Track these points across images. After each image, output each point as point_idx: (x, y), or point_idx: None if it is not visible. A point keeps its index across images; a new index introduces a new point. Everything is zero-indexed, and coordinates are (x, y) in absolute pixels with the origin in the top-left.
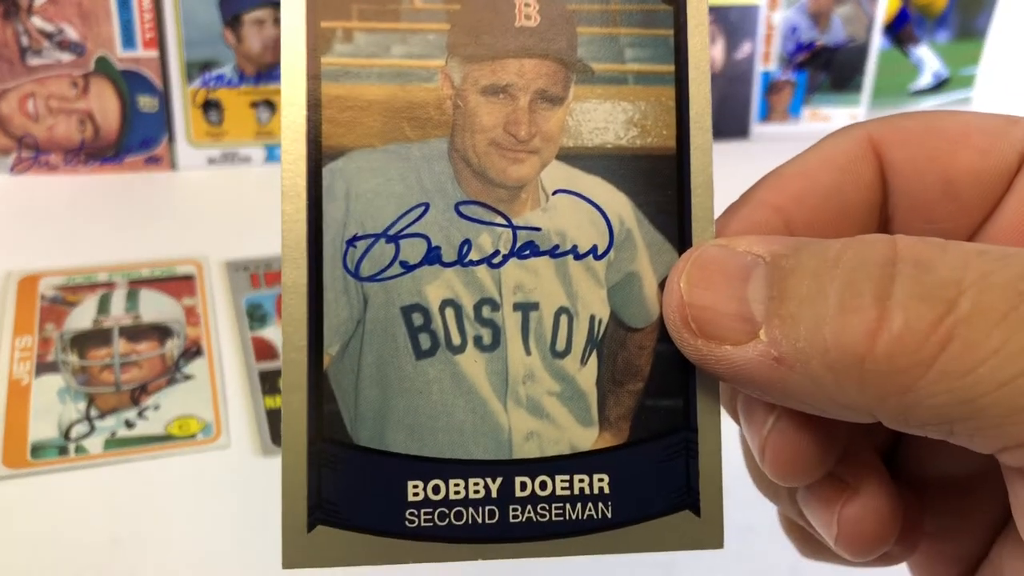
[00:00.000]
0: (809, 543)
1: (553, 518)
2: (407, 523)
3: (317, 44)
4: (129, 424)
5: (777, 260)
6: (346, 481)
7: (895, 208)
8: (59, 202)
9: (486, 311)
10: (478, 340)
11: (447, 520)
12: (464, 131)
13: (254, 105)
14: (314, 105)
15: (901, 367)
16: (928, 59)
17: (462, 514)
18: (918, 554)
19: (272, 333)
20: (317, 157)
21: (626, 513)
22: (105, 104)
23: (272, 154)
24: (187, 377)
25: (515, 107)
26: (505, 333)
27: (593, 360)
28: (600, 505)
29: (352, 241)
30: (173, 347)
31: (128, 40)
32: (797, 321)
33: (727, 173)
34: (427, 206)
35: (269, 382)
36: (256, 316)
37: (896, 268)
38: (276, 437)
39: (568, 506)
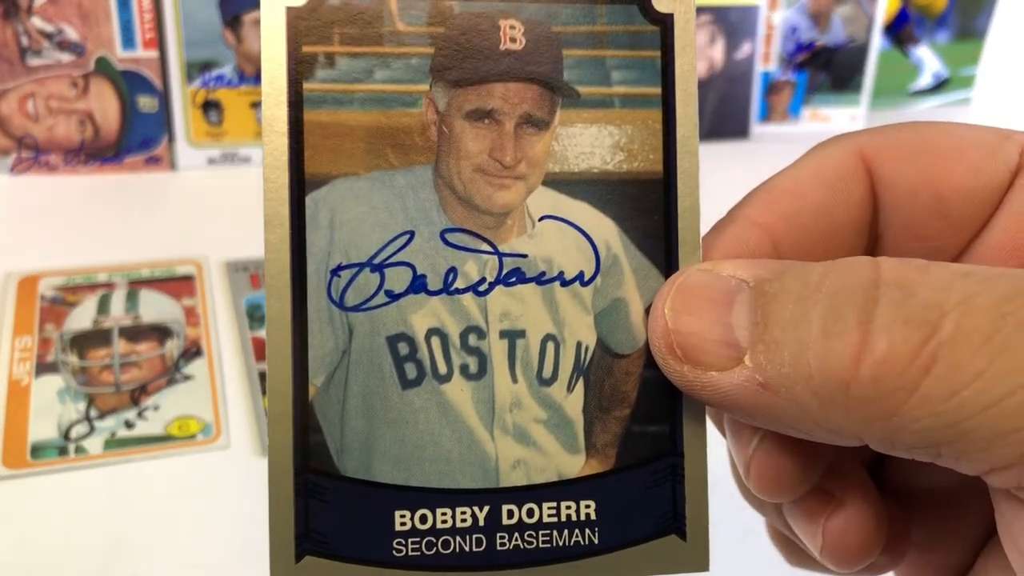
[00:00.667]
0: (796, 553)
1: (540, 545)
2: (395, 552)
3: (299, 70)
4: (129, 424)
5: (761, 285)
6: (333, 512)
7: (886, 225)
8: (59, 202)
9: (472, 339)
10: (464, 369)
11: (434, 549)
12: (449, 157)
13: (254, 105)
14: (296, 132)
15: (886, 391)
16: (928, 59)
17: (449, 543)
18: (904, 565)
19: None
20: (300, 185)
21: (613, 539)
22: (105, 104)
23: None
24: (187, 377)
25: (500, 132)
26: (491, 361)
27: (580, 387)
28: (587, 531)
29: (336, 271)
30: (173, 347)
31: (128, 40)
32: (781, 346)
33: (727, 174)
34: (412, 234)
35: None
36: (256, 316)
37: (879, 291)
38: None
39: (555, 533)
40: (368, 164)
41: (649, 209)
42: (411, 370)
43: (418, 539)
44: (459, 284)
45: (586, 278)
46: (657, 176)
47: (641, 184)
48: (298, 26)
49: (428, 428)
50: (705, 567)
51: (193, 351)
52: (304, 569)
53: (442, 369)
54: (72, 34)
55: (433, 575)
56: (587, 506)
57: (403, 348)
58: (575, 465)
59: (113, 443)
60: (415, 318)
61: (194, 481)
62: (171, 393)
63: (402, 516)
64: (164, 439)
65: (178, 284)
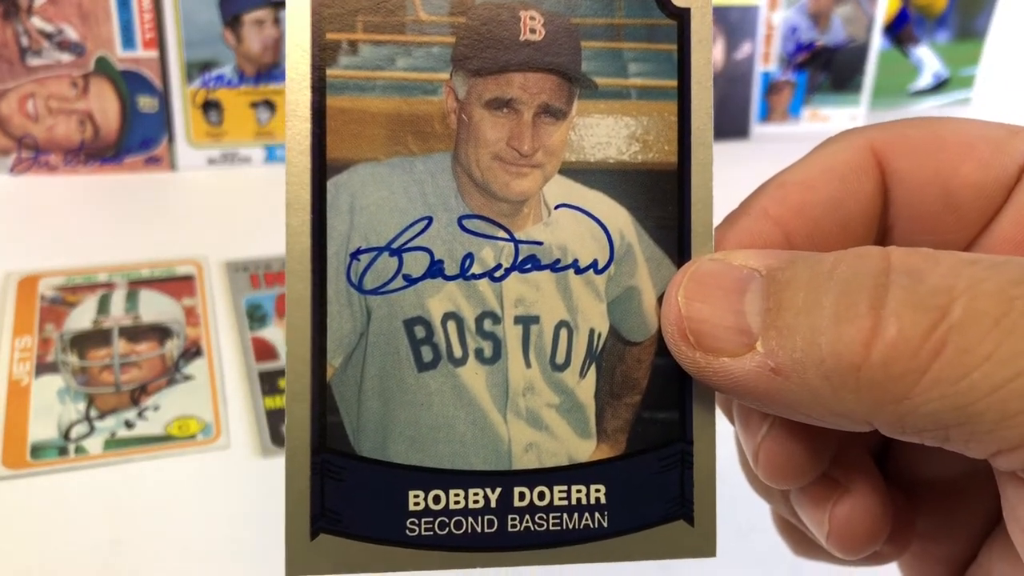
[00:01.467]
0: (802, 542)
1: (550, 527)
2: (408, 532)
3: (322, 56)
4: (129, 424)
5: (773, 273)
6: (348, 491)
7: (895, 218)
8: (59, 202)
9: (487, 324)
10: (479, 353)
11: (447, 529)
12: (467, 145)
13: (254, 105)
14: (318, 118)
15: (896, 374)
16: (928, 59)
17: (462, 523)
18: (908, 554)
19: (271, 333)
20: (321, 170)
21: (622, 523)
22: (105, 104)
23: (272, 154)
24: (187, 377)
25: (519, 121)
26: (506, 346)
27: (592, 373)
28: (596, 515)
29: (356, 254)
30: (173, 347)
31: (128, 40)
32: (793, 332)
33: (727, 174)
34: (430, 220)
35: (269, 382)
36: (256, 316)
37: (889, 278)
38: (276, 438)
39: (565, 516)
40: (388, 150)
41: (663, 200)
42: (427, 353)
43: (431, 519)
44: (475, 270)
45: (600, 266)
46: (672, 167)
47: (656, 175)
48: (322, 13)
49: (443, 410)
50: (712, 552)
51: (193, 351)
52: (319, 547)
53: (457, 353)
54: (72, 34)
55: (445, 555)
56: (597, 490)
57: (420, 331)
58: (586, 449)
59: (113, 443)
60: (432, 302)
61: (194, 481)
62: (171, 393)
63: (416, 496)
64: (164, 439)
65: (178, 284)
